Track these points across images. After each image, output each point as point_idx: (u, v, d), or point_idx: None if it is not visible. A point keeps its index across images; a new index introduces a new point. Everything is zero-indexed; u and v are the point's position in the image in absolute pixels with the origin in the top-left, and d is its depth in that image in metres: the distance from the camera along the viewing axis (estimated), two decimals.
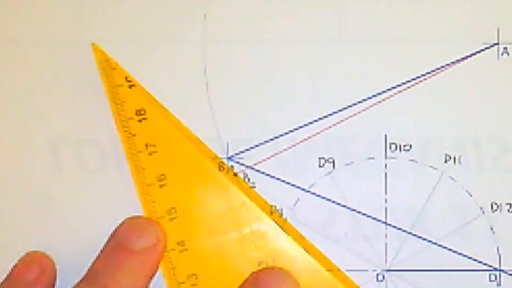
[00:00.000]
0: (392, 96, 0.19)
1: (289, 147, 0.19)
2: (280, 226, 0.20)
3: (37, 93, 0.20)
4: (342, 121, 0.19)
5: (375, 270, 0.19)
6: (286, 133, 0.19)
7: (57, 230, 0.20)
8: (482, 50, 0.19)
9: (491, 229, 0.19)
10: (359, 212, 0.19)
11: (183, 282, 0.19)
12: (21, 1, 0.19)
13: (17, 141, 0.20)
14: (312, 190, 0.19)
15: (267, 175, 0.20)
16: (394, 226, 0.19)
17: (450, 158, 0.19)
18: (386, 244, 0.19)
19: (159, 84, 0.20)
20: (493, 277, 0.19)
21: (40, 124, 0.20)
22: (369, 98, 0.19)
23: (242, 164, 0.20)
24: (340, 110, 0.19)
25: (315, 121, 0.19)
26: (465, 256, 0.19)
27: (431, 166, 0.19)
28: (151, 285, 0.18)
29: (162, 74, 0.20)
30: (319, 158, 0.19)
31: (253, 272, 0.19)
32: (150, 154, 0.19)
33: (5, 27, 0.19)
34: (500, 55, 0.19)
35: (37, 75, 0.19)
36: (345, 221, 0.19)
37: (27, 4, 0.19)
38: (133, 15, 0.19)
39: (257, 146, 0.20)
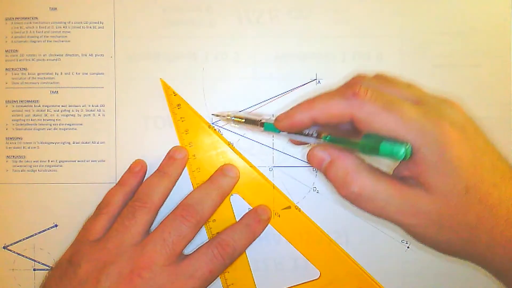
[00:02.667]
0: (276, 98, 0.43)
1: None
2: (232, 149, 0.43)
3: (145, 102, 0.43)
4: (257, 109, 0.44)
5: (268, 166, 0.44)
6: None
7: (149, 151, 0.43)
8: (310, 81, 0.43)
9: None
10: (263, 144, 0.43)
11: (194, 171, 0.42)
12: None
13: (138, 120, 0.44)
14: (244, 135, 0.43)
15: (226, 129, 0.43)
16: (277, 150, 0.43)
17: None
18: (273, 157, 0.43)
19: (183, 90, 0.43)
20: (314, 169, 0.43)
21: (144, 111, 0.43)
22: (268, 99, 0.44)
23: (217, 125, 0.43)
24: (259, 103, 0.44)
25: (245, 109, 0.44)
26: (303, 161, 0.43)
27: None
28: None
29: (184, 86, 0.43)
30: None
31: (220, 166, 0.42)
32: (182, 121, 0.42)
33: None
34: (317, 83, 0.43)
35: (139, 98, 0.43)
36: (257, 148, 0.43)
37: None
38: (176, 65, 0.44)
39: None
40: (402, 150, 0.27)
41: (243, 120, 0.39)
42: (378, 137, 0.28)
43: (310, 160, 0.32)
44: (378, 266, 0.43)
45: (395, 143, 0.28)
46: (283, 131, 0.34)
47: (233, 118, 0.39)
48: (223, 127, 0.44)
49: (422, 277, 0.43)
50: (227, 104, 0.43)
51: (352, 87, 0.30)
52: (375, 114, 0.28)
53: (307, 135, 0.33)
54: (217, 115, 0.42)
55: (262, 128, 0.36)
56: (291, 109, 0.32)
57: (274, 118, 0.34)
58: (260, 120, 0.37)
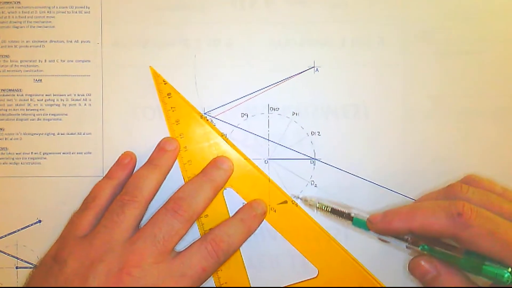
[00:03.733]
0: (272, 87, 0.42)
1: (228, 110, 0.41)
2: (225, 141, 0.41)
3: (134, 91, 0.41)
4: (251, 98, 0.42)
5: (263, 159, 0.42)
6: (228, 103, 0.42)
7: (138, 143, 0.41)
8: (308, 69, 0.41)
9: (311, 142, 0.41)
10: (258, 135, 0.41)
11: (185, 163, 0.40)
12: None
13: (126, 110, 0.41)
14: (238, 126, 0.41)
15: (219, 120, 0.41)
16: (272, 141, 0.41)
17: (294, 113, 0.41)
18: (268, 149, 0.41)
19: (173, 78, 0.41)
20: (312, 162, 0.42)
21: (132, 100, 0.41)
22: (263, 88, 0.42)
23: (210, 115, 0.41)
24: (253, 92, 0.42)
25: (239, 98, 0.42)
26: (300, 153, 0.41)
27: (287, 117, 0.41)
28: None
29: (175, 74, 0.41)
30: (241, 113, 0.41)
31: (213, 158, 0.40)
32: (172, 111, 0.40)
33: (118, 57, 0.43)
34: (315, 71, 0.41)
35: (127, 87, 0.42)
36: (252, 139, 0.41)
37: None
38: (166, 54, 0.42)
39: (215, 109, 0.41)
40: (506, 275, 0.29)
41: (329, 210, 0.39)
42: (480, 257, 0.30)
43: (413, 270, 0.33)
44: (378, 264, 0.41)
45: (499, 266, 0.29)
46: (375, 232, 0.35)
47: (318, 206, 0.40)
48: (216, 117, 0.42)
49: None
50: (220, 93, 0.41)
51: (456, 205, 0.31)
52: (480, 237, 0.29)
53: (401, 239, 0.34)
54: (304, 200, 0.41)
55: (351, 222, 0.37)
56: (389, 214, 0.33)
57: (367, 217, 0.36)
58: (349, 214, 0.38)
